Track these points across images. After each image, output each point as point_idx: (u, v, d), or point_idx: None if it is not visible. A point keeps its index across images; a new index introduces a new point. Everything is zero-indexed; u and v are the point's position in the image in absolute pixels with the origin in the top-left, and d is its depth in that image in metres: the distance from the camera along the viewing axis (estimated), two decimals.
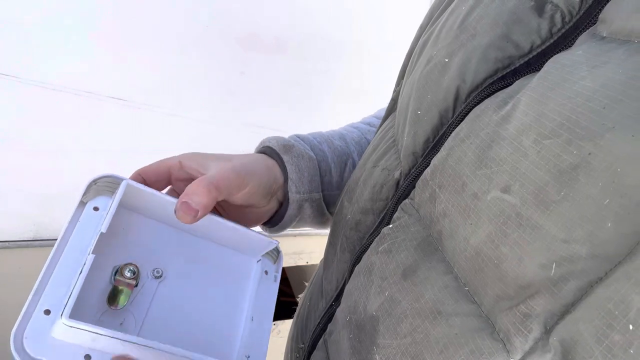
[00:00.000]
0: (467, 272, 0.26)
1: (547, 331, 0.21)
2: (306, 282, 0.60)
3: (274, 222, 0.49)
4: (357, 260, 0.38)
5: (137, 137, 1.09)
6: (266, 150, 0.49)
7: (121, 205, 0.38)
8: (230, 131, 1.18)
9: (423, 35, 0.41)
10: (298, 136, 0.53)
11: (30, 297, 0.33)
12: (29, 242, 1.08)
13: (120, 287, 0.36)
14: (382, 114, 0.63)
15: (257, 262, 0.45)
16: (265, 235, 0.43)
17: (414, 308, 0.28)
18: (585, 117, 0.21)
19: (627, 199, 0.19)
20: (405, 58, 0.47)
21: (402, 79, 0.46)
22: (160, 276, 0.39)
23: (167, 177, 0.45)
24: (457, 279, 0.27)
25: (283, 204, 0.48)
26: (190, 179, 0.43)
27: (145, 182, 0.43)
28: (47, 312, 0.32)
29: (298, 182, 0.48)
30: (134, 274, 0.37)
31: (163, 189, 0.45)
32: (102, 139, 1.07)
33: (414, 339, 0.28)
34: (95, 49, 1.03)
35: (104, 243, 0.35)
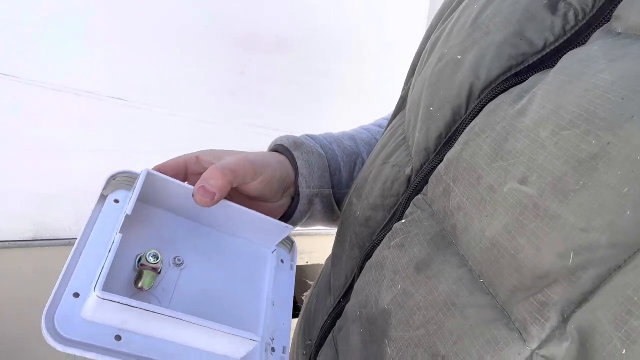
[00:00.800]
0: (482, 264, 0.26)
1: (565, 320, 0.21)
2: (307, 280, 0.60)
3: (286, 218, 0.50)
4: (367, 256, 0.38)
5: (137, 137, 1.09)
6: (278, 148, 0.51)
7: (139, 200, 0.39)
8: (230, 131, 1.18)
9: (434, 34, 0.41)
10: (309, 135, 0.54)
11: (58, 281, 0.33)
12: (29, 242, 1.08)
13: (145, 271, 0.37)
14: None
15: (273, 252, 0.46)
16: (279, 221, 0.44)
17: (427, 300, 0.28)
18: (603, 108, 0.21)
19: None
20: (415, 57, 0.47)
21: (412, 77, 0.46)
22: (182, 264, 0.40)
23: (185, 172, 0.46)
24: (471, 271, 0.27)
25: (294, 200, 0.49)
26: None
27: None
28: (76, 295, 0.33)
29: (308, 177, 0.49)
30: (157, 258, 0.37)
31: None
32: (102, 139, 1.07)
33: (427, 331, 0.28)
34: (96, 49, 1.03)
35: (124, 235, 0.36)
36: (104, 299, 0.30)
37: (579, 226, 0.21)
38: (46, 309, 0.32)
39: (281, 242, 0.46)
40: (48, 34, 0.98)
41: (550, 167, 0.23)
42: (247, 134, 1.20)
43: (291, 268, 0.46)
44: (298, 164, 0.48)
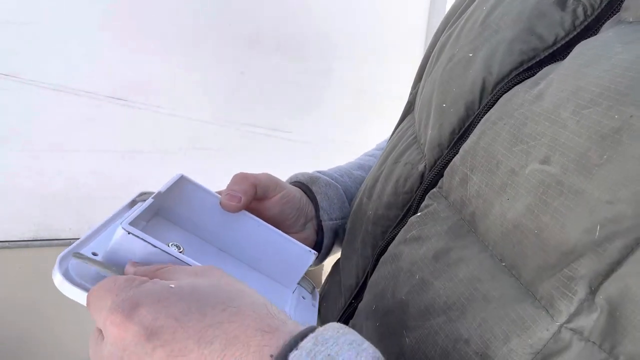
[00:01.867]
0: (504, 247, 0.26)
1: (593, 291, 0.21)
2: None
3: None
4: (381, 252, 0.38)
5: (137, 137, 1.09)
6: (294, 184, 0.52)
7: (161, 216, 0.39)
8: (230, 131, 1.18)
9: (441, 38, 0.41)
10: (318, 171, 0.56)
11: (78, 241, 0.34)
12: (29, 242, 1.08)
13: None
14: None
15: (293, 292, 0.44)
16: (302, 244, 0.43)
17: (447, 287, 0.28)
18: (625, 85, 0.22)
19: None
20: (422, 62, 0.47)
21: (419, 82, 0.46)
22: None
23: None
24: (492, 256, 0.27)
25: (319, 235, 0.50)
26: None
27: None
28: (95, 254, 0.33)
29: (329, 209, 0.50)
30: (179, 248, 0.37)
31: None
32: (102, 139, 1.07)
33: (448, 317, 0.28)
34: (96, 49, 1.03)
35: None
36: (129, 233, 0.31)
37: (604, 199, 0.21)
38: (63, 253, 0.32)
39: (301, 283, 0.44)
40: (48, 34, 0.98)
41: (573, 144, 0.23)
42: (247, 134, 1.20)
43: (313, 305, 0.44)
44: (317, 198, 0.49)
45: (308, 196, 0.50)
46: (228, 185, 0.42)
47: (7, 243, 1.06)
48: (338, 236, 0.51)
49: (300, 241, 0.47)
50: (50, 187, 1.05)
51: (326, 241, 0.50)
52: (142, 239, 0.31)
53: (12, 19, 0.95)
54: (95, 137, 1.06)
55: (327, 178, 0.52)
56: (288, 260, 0.42)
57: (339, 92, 1.28)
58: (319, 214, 0.49)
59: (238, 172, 0.44)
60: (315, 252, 0.43)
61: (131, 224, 0.31)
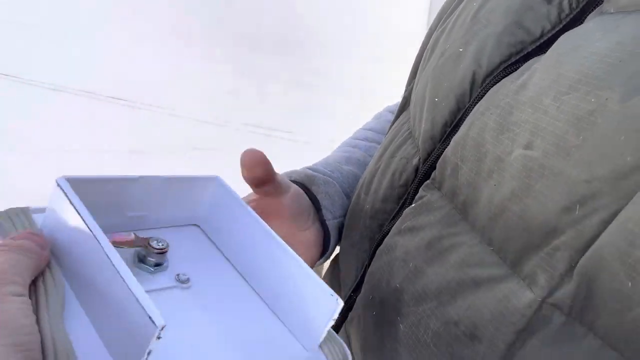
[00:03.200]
0: (491, 231, 0.27)
1: (572, 267, 0.22)
2: None
3: (322, 252, 0.50)
4: (378, 245, 0.38)
5: (137, 137, 1.09)
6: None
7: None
8: (230, 131, 1.18)
9: (433, 35, 0.42)
10: (309, 168, 0.55)
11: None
12: None
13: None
14: (377, 126, 0.65)
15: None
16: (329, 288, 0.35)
17: (439, 273, 0.29)
18: (602, 70, 0.23)
19: None
20: (416, 59, 0.48)
21: (414, 79, 0.47)
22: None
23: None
24: (481, 241, 0.28)
25: (325, 235, 0.49)
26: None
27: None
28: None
29: (332, 208, 0.49)
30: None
31: None
32: (102, 139, 1.07)
33: (440, 302, 0.28)
34: (96, 49, 1.03)
35: None
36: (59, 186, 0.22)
37: (582, 178, 0.22)
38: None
39: (326, 346, 0.30)
40: (48, 34, 0.98)
41: (552, 128, 0.24)
42: (247, 134, 1.20)
43: None
44: (319, 197, 0.48)
45: (307, 196, 0.50)
46: (245, 163, 0.38)
47: None
48: (341, 233, 0.52)
49: (311, 239, 0.46)
50: (50, 187, 1.05)
51: (332, 240, 0.50)
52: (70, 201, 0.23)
53: (12, 19, 0.95)
54: (95, 137, 1.06)
55: (324, 176, 0.52)
56: (308, 302, 0.32)
57: (339, 92, 1.28)
58: (322, 213, 0.49)
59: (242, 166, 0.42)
60: (342, 301, 0.35)
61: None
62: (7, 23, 0.94)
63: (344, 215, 0.50)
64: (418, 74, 0.44)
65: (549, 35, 0.31)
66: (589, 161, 0.22)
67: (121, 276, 0.21)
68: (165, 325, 0.20)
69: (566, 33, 0.28)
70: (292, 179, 0.50)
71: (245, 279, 0.34)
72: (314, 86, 1.23)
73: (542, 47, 0.31)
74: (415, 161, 0.37)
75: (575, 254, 0.22)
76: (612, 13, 0.26)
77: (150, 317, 0.20)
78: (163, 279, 0.26)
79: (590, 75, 0.23)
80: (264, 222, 0.32)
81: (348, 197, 0.52)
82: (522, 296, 0.24)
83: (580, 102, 0.23)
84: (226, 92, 1.14)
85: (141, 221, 0.28)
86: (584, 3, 0.29)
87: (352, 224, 0.46)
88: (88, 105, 1.04)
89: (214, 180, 0.33)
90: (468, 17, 0.36)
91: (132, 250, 0.27)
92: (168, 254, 0.27)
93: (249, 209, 0.34)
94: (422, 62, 0.44)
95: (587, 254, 0.21)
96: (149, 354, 0.20)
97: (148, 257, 0.25)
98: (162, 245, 0.26)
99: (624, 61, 0.22)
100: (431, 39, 0.43)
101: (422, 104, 0.38)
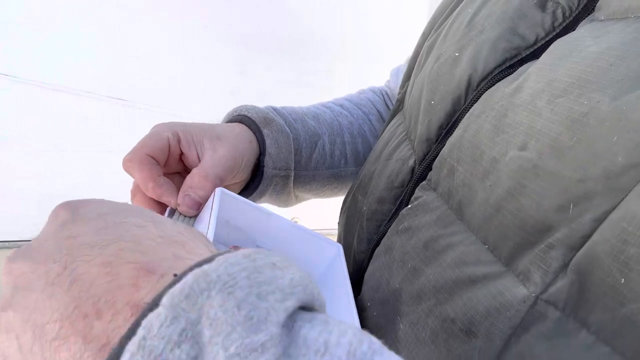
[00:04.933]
0: (487, 230, 0.27)
1: (566, 264, 0.23)
2: None
3: (244, 195, 0.49)
4: (376, 246, 0.39)
5: (137, 137, 1.09)
6: (244, 120, 0.49)
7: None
8: None
9: (428, 39, 0.43)
10: (273, 108, 0.54)
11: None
12: (29, 242, 1.08)
13: None
14: (355, 98, 0.65)
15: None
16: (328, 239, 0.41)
17: (436, 273, 0.30)
18: (594, 74, 0.24)
19: (634, 133, 0.20)
20: (410, 62, 0.49)
21: (407, 81, 0.47)
22: None
23: (167, 153, 0.42)
24: (476, 241, 0.28)
25: (255, 178, 0.48)
26: (178, 156, 0.43)
27: (158, 164, 0.42)
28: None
29: (276, 158, 0.48)
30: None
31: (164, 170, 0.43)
32: (102, 139, 1.07)
33: (438, 300, 0.29)
34: (95, 49, 1.03)
35: None
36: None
37: (575, 178, 0.22)
38: None
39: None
40: (48, 34, 0.98)
41: (547, 130, 0.24)
42: None
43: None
44: (267, 142, 0.47)
45: (256, 136, 0.47)
46: (193, 181, 0.39)
47: (7, 243, 1.06)
48: (274, 187, 0.49)
49: (232, 186, 0.46)
50: (50, 187, 1.05)
51: (262, 187, 0.49)
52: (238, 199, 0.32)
53: (12, 19, 0.95)
54: (96, 137, 1.06)
55: (282, 123, 0.50)
56: (311, 252, 0.41)
57: (339, 92, 1.28)
58: (263, 158, 0.47)
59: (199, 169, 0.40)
60: (338, 244, 0.42)
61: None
62: (7, 23, 0.94)
63: (285, 170, 0.48)
64: (412, 77, 0.45)
65: (543, 42, 0.32)
66: (582, 161, 0.22)
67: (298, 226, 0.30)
68: None
69: (559, 39, 0.29)
70: (249, 114, 0.50)
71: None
72: (314, 86, 1.23)
73: (536, 53, 0.32)
74: (411, 162, 0.38)
75: (569, 251, 0.22)
76: (602, 20, 0.27)
77: (332, 241, 0.32)
78: None
79: (583, 79, 0.24)
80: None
81: (298, 153, 0.49)
82: (516, 292, 0.24)
83: (574, 105, 0.23)
84: (226, 92, 1.14)
85: None
86: (576, 12, 0.30)
87: (350, 226, 0.46)
88: (88, 105, 1.04)
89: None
90: (463, 23, 0.37)
91: None
92: None
93: (261, 207, 0.38)
94: (416, 66, 0.45)
95: (581, 251, 0.22)
96: None
97: None
98: None
99: (614, 65, 0.23)
100: (426, 44, 0.44)
101: (418, 107, 0.39)
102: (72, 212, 0.23)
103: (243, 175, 0.46)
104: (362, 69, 1.30)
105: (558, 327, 0.22)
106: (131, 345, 0.15)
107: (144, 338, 0.15)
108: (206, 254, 0.20)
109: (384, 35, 1.30)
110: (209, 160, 0.41)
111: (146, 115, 1.09)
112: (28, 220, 1.07)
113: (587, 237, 0.22)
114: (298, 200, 0.56)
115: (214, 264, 0.17)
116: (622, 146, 0.21)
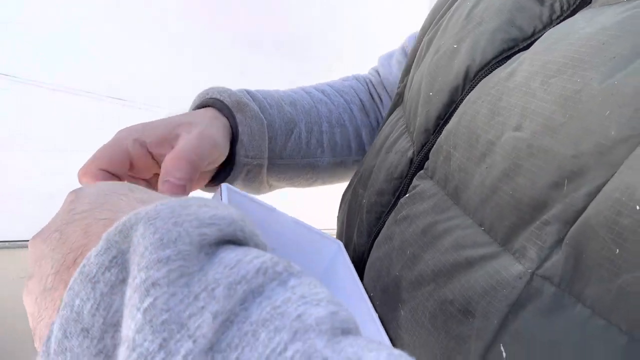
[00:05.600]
0: (483, 213, 0.28)
1: (561, 239, 0.23)
2: None
3: (215, 182, 0.48)
4: (375, 238, 0.39)
5: None
6: (215, 103, 0.46)
7: None
8: None
9: (427, 33, 0.43)
10: (247, 92, 0.52)
11: None
12: (29, 242, 1.08)
13: None
14: (338, 84, 0.64)
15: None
16: (328, 237, 0.41)
17: (435, 258, 0.30)
18: (587, 53, 0.24)
19: (625, 107, 0.21)
20: (410, 56, 0.49)
21: (407, 75, 0.48)
22: None
23: (128, 164, 0.40)
24: (473, 224, 0.29)
25: (226, 165, 0.46)
26: (151, 159, 0.40)
27: (115, 176, 0.39)
28: None
29: (248, 146, 0.46)
30: None
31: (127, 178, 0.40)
32: (102, 139, 1.06)
33: (437, 284, 0.29)
34: (95, 49, 1.03)
35: None
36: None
37: (569, 154, 0.22)
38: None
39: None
40: (48, 34, 0.98)
41: (541, 109, 0.25)
42: None
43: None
44: (240, 129, 0.45)
45: (229, 121, 0.45)
46: (166, 165, 0.36)
47: (7, 243, 1.06)
48: (247, 175, 0.47)
49: (204, 175, 0.44)
50: (50, 187, 1.05)
51: (233, 175, 0.46)
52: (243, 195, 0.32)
53: (12, 19, 0.95)
54: (96, 137, 1.06)
55: (256, 109, 0.47)
56: (314, 252, 0.42)
57: None
58: (236, 146, 0.45)
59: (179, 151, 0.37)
60: (339, 241, 0.41)
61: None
62: (7, 23, 0.94)
63: (258, 159, 0.46)
64: (412, 71, 0.46)
65: (540, 34, 0.32)
66: (575, 137, 0.22)
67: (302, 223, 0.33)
68: None
69: (554, 27, 0.29)
70: (221, 98, 0.48)
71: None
72: None
73: (532, 44, 0.32)
74: (409, 154, 0.38)
75: (563, 226, 0.22)
76: (596, 8, 0.28)
77: (333, 239, 0.35)
78: None
79: (576, 59, 0.24)
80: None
81: (272, 141, 0.48)
82: (512, 269, 0.25)
83: (567, 84, 0.24)
84: None
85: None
86: (574, 5, 0.30)
87: (350, 219, 0.46)
88: (88, 105, 1.03)
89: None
90: (462, 16, 0.37)
91: None
92: None
93: (265, 203, 0.38)
94: (416, 59, 0.45)
95: (576, 225, 0.22)
96: None
97: None
98: None
99: (606, 43, 0.23)
100: (425, 37, 0.44)
101: (418, 99, 0.39)
102: (76, 193, 0.27)
103: (220, 159, 0.44)
104: (362, 69, 1.30)
105: (554, 302, 0.22)
106: (76, 273, 0.19)
107: (83, 265, 0.19)
108: None
109: (384, 35, 1.30)
110: (181, 143, 0.39)
111: (146, 115, 1.09)
112: (28, 220, 1.07)
113: (581, 211, 0.22)
114: (271, 188, 0.54)
115: (149, 206, 0.20)
116: (615, 120, 0.21)
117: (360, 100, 0.62)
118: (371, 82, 0.67)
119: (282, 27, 1.19)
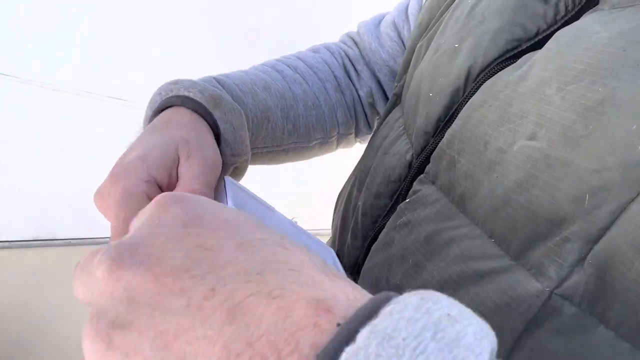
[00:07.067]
0: (493, 224, 0.26)
1: (583, 257, 0.22)
2: None
3: None
4: (372, 242, 0.38)
5: (137, 137, 1.09)
6: (185, 102, 0.41)
7: None
8: None
9: (426, 32, 0.42)
10: (217, 80, 0.49)
11: None
12: (29, 242, 1.07)
13: None
14: (310, 59, 0.60)
15: None
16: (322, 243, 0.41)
17: (440, 268, 0.29)
18: (607, 60, 0.23)
19: None
20: (406, 55, 0.48)
21: (404, 74, 0.46)
22: None
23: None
24: (481, 234, 0.27)
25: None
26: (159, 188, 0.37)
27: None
28: None
29: (233, 144, 0.41)
30: None
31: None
32: (102, 139, 1.06)
33: None
34: (95, 49, 1.03)
35: None
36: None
37: (592, 168, 0.21)
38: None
39: None
40: (48, 34, 0.98)
41: (558, 118, 0.24)
42: None
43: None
44: (221, 128, 0.40)
45: (205, 119, 0.40)
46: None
47: (7, 243, 1.06)
48: (232, 173, 0.43)
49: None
50: (50, 187, 1.05)
51: (220, 175, 0.39)
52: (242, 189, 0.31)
53: (12, 18, 0.95)
54: (95, 137, 1.06)
55: (231, 101, 0.42)
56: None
57: None
58: (221, 147, 0.40)
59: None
60: (332, 249, 0.40)
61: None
62: (7, 23, 0.94)
63: (243, 155, 0.42)
64: (409, 70, 0.44)
65: (544, 34, 0.31)
66: (599, 151, 0.21)
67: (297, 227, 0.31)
68: None
69: (563, 28, 0.29)
70: (193, 96, 0.43)
71: None
72: None
73: (537, 45, 0.31)
74: (408, 156, 0.37)
75: (585, 244, 0.22)
76: (606, 10, 0.27)
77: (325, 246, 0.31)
78: None
79: (594, 65, 0.23)
80: None
81: (249, 129, 0.44)
82: (528, 286, 0.24)
83: (586, 92, 0.23)
84: None
85: None
86: (579, 5, 0.29)
87: (344, 222, 0.46)
88: (88, 105, 1.03)
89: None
90: (463, 14, 0.36)
91: None
92: None
93: (265, 202, 0.38)
94: (414, 59, 0.44)
95: (599, 244, 0.21)
96: None
97: None
98: None
99: (627, 50, 0.22)
100: (422, 38, 0.43)
101: (417, 99, 0.38)
102: (185, 210, 0.19)
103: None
104: None
105: (574, 322, 0.22)
106: None
107: None
108: (354, 292, 0.17)
109: None
110: (187, 176, 0.35)
111: None
112: (28, 220, 1.07)
113: (605, 230, 0.21)
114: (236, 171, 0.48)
115: (389, 320, 0.15)
116: None
117: (335, 77, 0.57)
118: (347, 56, 0.61)
119: (282, 27, 1.18)
